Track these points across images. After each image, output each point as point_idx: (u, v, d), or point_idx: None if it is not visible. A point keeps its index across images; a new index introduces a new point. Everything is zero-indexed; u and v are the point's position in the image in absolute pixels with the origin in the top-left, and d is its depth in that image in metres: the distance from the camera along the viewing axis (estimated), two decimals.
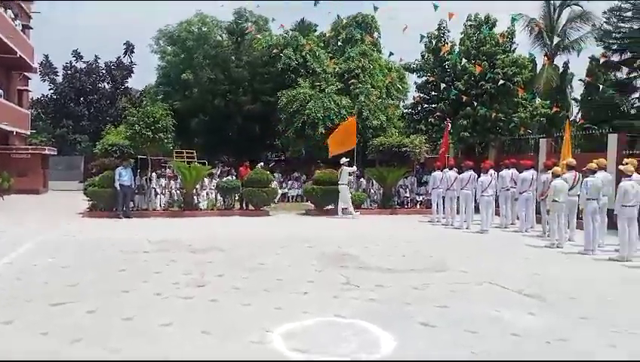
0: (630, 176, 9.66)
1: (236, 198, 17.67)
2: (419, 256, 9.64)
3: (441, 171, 15.79)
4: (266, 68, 26.77)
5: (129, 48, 37.36)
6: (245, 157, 24.92)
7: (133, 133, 17.02)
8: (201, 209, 17.11)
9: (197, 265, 8.36)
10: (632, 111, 21.76)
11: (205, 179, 18.28)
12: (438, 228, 14.78)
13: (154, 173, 17.93)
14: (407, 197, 19.52)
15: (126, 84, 37.55)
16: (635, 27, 22.50)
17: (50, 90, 37.13)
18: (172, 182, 18.12)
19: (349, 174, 17.32)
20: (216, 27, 29.97)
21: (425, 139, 20.08)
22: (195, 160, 23.09)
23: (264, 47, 26.79)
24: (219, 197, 17.61)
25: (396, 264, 8.74)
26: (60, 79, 36.94)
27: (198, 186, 17.56)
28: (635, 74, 22.87)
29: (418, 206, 19.04)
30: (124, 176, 15.73)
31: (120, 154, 17.13)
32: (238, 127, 26.72)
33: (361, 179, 20.94)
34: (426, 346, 4.75)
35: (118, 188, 15.60)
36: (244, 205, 17.57)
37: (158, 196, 17.27)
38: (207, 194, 18.05)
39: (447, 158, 17.65)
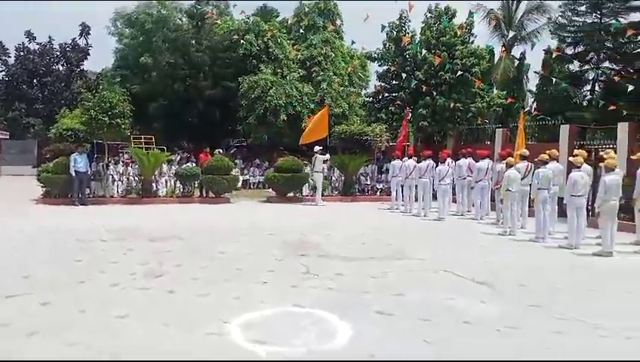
0: (580, 167, 10.04)
1: (196, 185, 17.47)
2: (378, 244, 9.81)
3: (401, 160, 16.04)
4: (227, 53, 26.39)
5: (85, 30, 36.13)
6: (206, 143, 24.65)
7: (89, 119, 16.59)
8: (159, 196, 16.86)
9: (155, 254, 8.28)
10: (584, 103, 22.56)
11: (164, 166, 18.00)
12: (398, 215, 15.03)
13: (111, 159, 17.55)
14: (368, 185, 19.77)
15: (82, 67, 36.36)
16: (589, 21, 23.21)
17: (1, 71, 35.65)
18: (130, 168, 17.77)
19: (323, 162, 17.43)
20: (176, 10, 29.31)
21: (385, 127, 20.33)
22: (154, 145, 22.71)
23: (225, 32, 26.40)
24: (178, 184, 17.37)
25: (356, 252, 8.88)
26: (12, 60, 35.49)
27: (156, 173, 17.28)
28: (588, 67, 23.65)
29: (378, 193, 19.30)
30: (79, 162, 15.33)
31: (75, 140, 16.68)
32: (198, 113, 26.30)
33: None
34: (381, 335, 4.87)
35: (74, 174, 15.20)
36: (204, 192, 17.40)
37: (116, 183, 16.93)
38: (165, 181, 17.79)
39: (406, 147, 17.94)
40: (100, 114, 16.38)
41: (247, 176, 23.02)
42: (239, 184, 19.88)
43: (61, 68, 36.23)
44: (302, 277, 7.02)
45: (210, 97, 25.73)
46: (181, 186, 17.28)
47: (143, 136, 23.27)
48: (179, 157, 21.73)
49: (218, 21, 26.98)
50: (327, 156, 17.62)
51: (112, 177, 16.87)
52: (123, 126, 16.95)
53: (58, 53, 36.03)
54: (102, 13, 48.20)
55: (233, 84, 24.59)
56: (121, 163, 18.02)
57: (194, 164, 18.82)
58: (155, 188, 17.03)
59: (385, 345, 4.63)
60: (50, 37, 35.77)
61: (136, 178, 17.10)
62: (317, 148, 17.42)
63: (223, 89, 25.70)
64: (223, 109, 26.05)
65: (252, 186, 22.69)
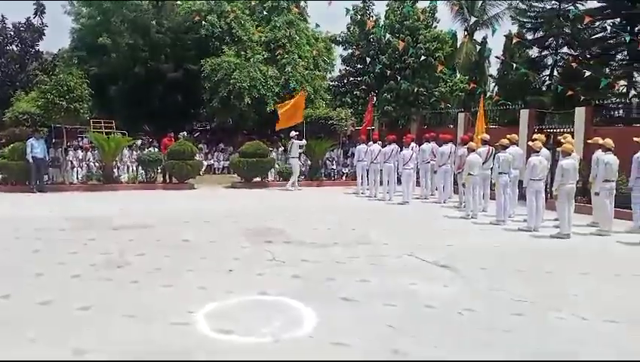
0: (539, 151, 10.30)
1: (159, 171, 17.17)
2: (343, 229, 9.88)
3: (366, 144, 16.13)
4: (189, 34, 25.79)
5: (39, 9, 34.62)
6: (169, 127, 24.15)
7: (46, 102, 16.03)
8: (121, 182, 16.52)
9: (117, 243, 8.14)
10: (543, 88, 23.09)
11: (126, 151, 17.61)
12: (363, 199, 15.16)
13: (70, 144, 17.05)
14: (334, 170, 19.83)
15: (37, 48, 34.91)
16: (548, 7, 23.67)
17: None
18: (89, 153, 17.34)
19: (300, 147, 17.36)
20: None
21: (351, 112, 20.36)
22: (115, 130, 22.16)
23: (186, 13, 25.79)
24: (140, 170, 17.04)
25: (321, 238, 8.92)
26: None
27: (117, 158, 16.91)
28: (547, 52, 24.17)
29: (344, 178, 19.39)
30: (36, 147, 14.87)
31: (32, 124, 16.13)
32: (160, 96, 25.70)
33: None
34: (347, 322, 4.93)
35: (31, 160, 14.73)
36: (167, 178, 17.12)
37: (75, 169, 16.53)
38: (127, 167, 17.43)
39: (371, 131, 18.03)
40: (58, 97, 15.83)
41: (212, 161, 22.79)
42: (203, 169, 19.67)
43: (15, 49, 34.72)
44: (268, 264, 7.02)
45: (172, 80, 25.19)
46: (143, 172, 16.96)
47: (103, 121, 22.63)
48: (141, 142, 21.28)
49: (179, 1, 26.30)
50: (304, 141, 17.57)
51: (72, 163, 16.45)
52: (82, 110, 16.43)
53: (12, 33, 34.50)
54: None
55: (196, 66, 24.10)
56: (80, 148, 17.54)
57: (157, 149, 18.47)
58: (116, 174, 16.69)
59: (351, 331, 4.68)
60: (2, 16, 34.22)
61: (96, 164, 16.70)
62: (293, 133, 17.37)
63: (185, 71, 25.18)
64: (186, 92, 25.55)
65: (216, 171, 22.46)
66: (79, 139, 21.78)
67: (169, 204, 13.13)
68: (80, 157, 16.95)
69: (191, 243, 8.32)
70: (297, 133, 17.39)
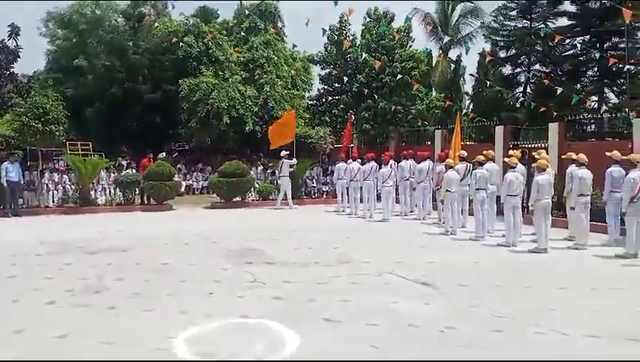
0: (515, 167, 10.48)
1: (136, 193, 16.95)
2: (324, 248, 9.86)
3: (345, 162, 16.23)
4: (167, 55, 25.78)
5: (14, 30, 34.41)
6: (147, 148, 23.97)
7: (21, 125, 15.80)
8: (98, 205, 16.28)
9: (94, 268, 8.00)
10: (517, 105, 23.55)
11: (103, 173, 17.38)
12: (343, 217, 15.19)
13: (45, 167, 16.79)
14: (314, 188, 19.85)
15: (12, 70, 34.57)
16: (519, 25, 24.25)
17: None
18: (65, 176, 17.08)
19: (290, 166, 17.41)
20: (112, 10, 28.34)
21: (330, 130, 20.48)
22: (92, 152, 21.90)
23: (164, 34, 25.79)
24: (118, 192, 16.82)
25: (302, 257, 8.89)
26: None
27: (94, 181, 16.69)
28: (519, 69, 24.70)
29: (324, 196, 19.41)
30: (11, 171, 14.59)
31: (6, 147, 15.85)
32: (137, 117, 25.55)
33: (267, 171, 21.03)
34: (329, 343, 4.90)
35: (5, 184, 14.45)
36: (145, 200, 16.93)
37: (51, 192, 16.22)
38: (103, 188, 17.17)
39: (350, 149, 18.16)
40: (33, 120, 15.61)
41: (190, 182, 22.61)
42: (182, 190, 19.52)
43: None
44: (248, 286, 6.97)
45: (149, 101, 25.08)
46: (121, 194, 16.75)
47: (79, 143, 22.37)
48: (121, 163, 20.99)
49: (156, 24, 26.31)
50: (294, 161, 17.63)
51: (47, 186, 16.15)
52: (57, 132, 16.22)
53: None
54: (32, 13, 46.13)
55: (173, 87, 24.05)
56: (56, 171, 17.27)
57: (135, 171, 18.27)
58: (93, 196, 16.44)
59: (333, 353, 4.66)
60: None
61: (72, 186, 16.45)
62: (284, 152, 17.45)
63: (163, 92, 25.10)
64: (164, 113, 25.44)
65: (195, 192, 22.30)
66: (55, 161, 21.45)
67: (147, 226, 12.97)
68: (56, 179, 16.67)
69: (170, 266, 8.21)
70: (288, 152, 17.46)
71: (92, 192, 16.46)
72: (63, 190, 16.37)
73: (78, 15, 26.77)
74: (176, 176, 18.49)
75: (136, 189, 16.82)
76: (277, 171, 18.05)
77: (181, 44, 24.13)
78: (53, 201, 16.08)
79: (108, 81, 25.21)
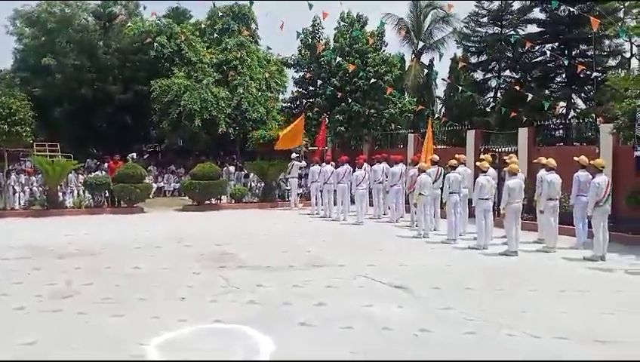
0: (486, 171, 10.64)
1: (106, 195, 16.61)
2: (299, 252, 9.83)
3: (319, 165, 16.25)
4: (138, 55, 25.43)
5: None
6: (117, 149, 23.60)
7: None
8: (67, 207, 15.91)
9: (63, 272, 7.80)
10: (488, 110, 23.97)
11: (71, 175, 17.00)
12: (317, 220, 15.18)
13: (12, 168, 16.34)
14: (288, 190, 19.74)
15: None
16: (490, 32, 24.70)
17: None
18: (33, 178, 16.66)
19: (299, 168, 18.10)
20: (81, 10, 27.79)
21: (304, 133, 20.46)
22: (60, 153, 21.44)
23: (135, 34, 25.41)
24: (87, 194, 16.47)
25: (276, 261, 8.85)
26: None
27: (62, 183, 16.30)
28: (490, 75, 25.15)
29: (298, 199, 19.33)
30: None
31: None
32: (108, 118, 25.13)
33: (241, 172, 20.94)
34: (304, 348, 4.89)
35: None
36: (115, 202, 16.60)
37: (17, 194, 15.80)
38: (71, 191, 16.80)
39: (324, 152, 18.20)
40: None
41: (162, 184, 22.31)
42: (153, 192, 19.24)
43: None
44: (222, 290, 6.89)
45: (120, 101, 24.71)
46: (90, 196, 16.40)
47: (47, 144, 21.86)
48: (94, 164, 20.50)
49: (128, 23, 25.91)
50: (304, 163, 17.88)
51: (13, 188, 15.73)
52: (24, 133, 15.78)
53: None
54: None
55: (145, 87, 23.72)
56: (23, 172, 16.83)
57: (104, 172, 17.94)
58: (61, 199, 16.06)
59: (309, 357, 4.64)
60: None
61: (40, 188, 16.04)
62: (294, 155, 18.00)
63: (134, 93, 24.76)
64: (135, 114, 25.09)
65: (167, 194, 22.00)
66: (22, 162, 20.92)
67: (118, 230, 12.72)
68: (22, 181, 16.25)
69: (142, 271, 8.07)
70: (298, 155, 17.60)
71: (60, 194, 16.07)
72: (30, 192, 15.97)
73: (46, 13, 26.18)
74: (147, 178, 18.21)
75: (106, 191, 16.48)
76: (285, 173, 18.46)
77: (154, 44, 23.83)
78: (19, 204, 15.67)
79: (77, 81, 24.74)
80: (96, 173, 17.95)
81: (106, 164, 19.56)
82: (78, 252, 9.51)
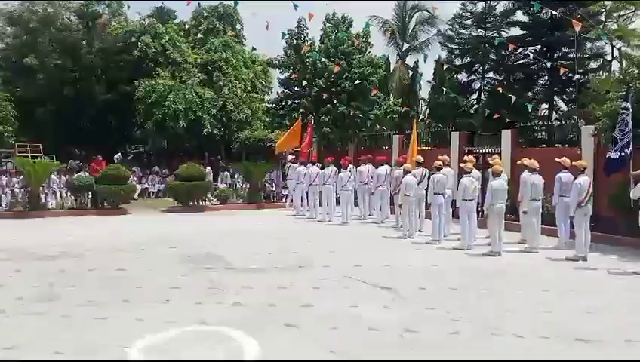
0: (470, 172, 10.74)
1: (89, 196, 16.42)
2: (284, 253, 9.82)
3: (305, 166, 16.26)
4: (122, 55, 25.20)
5: None
6: (101, 150, 23.37)
7: None
8: (49, 209, 15.70)
9: (46, 275, 7.70)
10: (472, 111, 24.19)
11: (53, 176, 16.78)
12: (303, 221, 15.17)
13: None
14: (273, 191, 19.75)
15: None
16: (474, 34, 24.92)
17: None
18: (14, 179, 16.42)
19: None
20: (64, 9, 27.48)
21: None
22: (42, 154, 21.17)
23: (119, 34, 25.20)
24: (70, 195, 16.27)
25: (262, 263, 8.83)
26: None
27: (45, 184, 16.10)
28: (474, 77, 25.38)
29: (284, 200, 19.34)
30: None
31: None
32: (91, 118, 24.87)
33: (226, 173, 20.85)
34: (289, 349, 4.89)
35: None
36: (99, 204, 16.42)
37: None
38: (53, 192, 16.58)
39: (310, 154, 18.22)
40: None
41: (146, 185, 22.12)
42: (137, 193, 19.08)
43: None
44: (207, 292, 6.86)
45: (103, 102, 24.46)
46: (73, 198, 16.21)
47: (29, 144, 21.56)
48: (77, 165, 20.27)
49: (113, 23, 25.68)
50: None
51: None
52: (6, 133, 15.58)
53: None
54: None
55: (129, 88, 23.52)
56: (4, 173, 16.58)
57: (87, 174, 17.73)
58: (43, 200, 15.85)
59: (293, 359, 4.64)
60: None
61: (22, 190, 15.81)
62: (290, 157, 17.87)
63: (117, 93, 24.52)
64: (119, 115, 24.85)
65: (151, 195, 21.82)
66: (3, 163, 20.61)
67: (101, 231, 12.59)
68: (4, 182, 16.01)
69: (126, 273, 8.00)
70: (294, 156, 17.55)
71: (42, 196, 15.86)
72: (11, 193, 15.73)
73: (28, 12, 25.84)
74: (131, 179, 18.05)
75: (89, 193, 16.30)
76: (270, 174, 18.77)
77: (138, 44, 23.64)
78: (1, 205, 15.42)
79: (60, 81, 24.44)
80: (79, 174, 17.71)
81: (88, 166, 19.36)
82: (61, 254, 9.39)
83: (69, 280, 7.41)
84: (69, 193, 16.35)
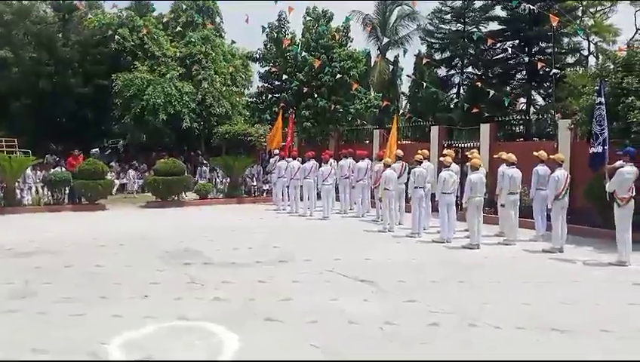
0: (449, 166, 10.83)
1: (66, 192, 16.15)
2: (265, 247, 9.79)
3: (286, 160, 16.22)
4: (99, 48, 24.83)
5: None
6: (78, 145, 23.01)
7: None
8: (25, 205, 15.42)
9: (21, 271, 7.56)
10: (451, 106, 24.33)
11: (29, 172, 16.46)
12: (284, 216, 15.14)
13: None
14: (254, 186, 19.66)
15: None
16: (454, 29, 25.06)
17: None
18: None
19: None
20: (40, 1, 26.98)
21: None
22: (17, 149, 20.79)
23: (96, 27, 24.79)
24: (46, 191, 15.99)
25: (242, 257, 8.79)
26: None
27: (20, 179, 15.80)
28: (453, 72, 25.55)
29: (265, 194, 19.27)
30: None
31: None
32: (68, 113, 24.46)
33: (204, 168, 20.69)
34: (269, 344, 4.88)
35: None
36: (76, 199, 16.17)
37: None
38: (29, 188, 16.27)
39: (291, 148, 18.18)
40: None
41: (124, 180, 21.83)
42: (115, 189, 18.83)
43: None
44: (186, 287, 6.81)
45: (80, 96, 24.08)
46: (49, 193, 15.93)
47: (3, 139, 21.14)
48: (53, 160, 19.86)
49: (90, 16, 25.25)
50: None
51: None
52: None
53: None
54: None
55: (106, 81, 23.18)
56: None
57: (64, 169, 17.44)
58: (19, 196, 15.55)
59: (274, 353, 4.64)
60: None
61: None
62: (276, 151, 17.60)
63: (94, 87, 24.16)
64: (96, 109, 24.49)
65: (130, 191, 21.55)
66: None
67: (79, 227, 12.39)
68: None
69: (104, 269, 7.90)
70: (279, 151, 17.49)
71: (18, 192, 15.56)
72: None
73: (2, 5, 25.31)
74: (109, 174, 17.80)
75: (66, 188, 16.04)
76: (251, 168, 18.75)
77: (116, 37, 23.30)
78: None
79: (35, 74, 24.00)
80: (56, 169, 17.41)
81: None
82: (37, 250, 9.24)
83: (45, 276, 7.29)
84: (45, 188, 16.06)
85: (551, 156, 10.20)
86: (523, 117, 20.95)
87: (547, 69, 18.59)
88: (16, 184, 15.54)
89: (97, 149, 21.11)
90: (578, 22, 23.16)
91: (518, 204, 10.74)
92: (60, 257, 8.73)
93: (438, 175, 11.27)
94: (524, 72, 24.39)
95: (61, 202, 15.86)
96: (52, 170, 16.73)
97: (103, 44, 24.54)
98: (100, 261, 8.34)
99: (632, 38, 21.30)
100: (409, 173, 12.11)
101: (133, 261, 8.46)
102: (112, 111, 23.36)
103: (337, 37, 21.20)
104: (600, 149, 9.20)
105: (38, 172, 17.06)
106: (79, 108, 24.18)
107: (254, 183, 19.72)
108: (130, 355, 4.55)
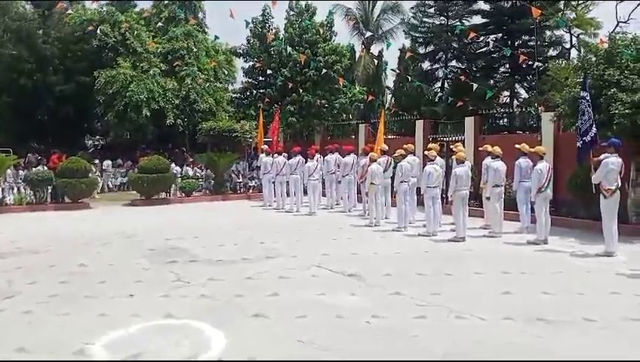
0: (434, 160, 10.88)
1: (49, 191, 15.94)
2: (251, 244, 9.77)
3: (272, 156, 16.17)
4: (80, 45, 24.49)
5: None
6: (60, 143, 22.72)
7: None
8: (6, 204, 15.20)
9: (4, 272, 7.46)
10: (436, 100, 24.37)
11: (9, 171, 16.20)
12: (270, 212, 15.11)
13: None
14: (240, 182, 19.58)
15: None
16: (437, 23, 25.09)
17: None
18: None
19: None
20: None
21: (255, 124, 20.31)
22: None
23: (77, 23, 24.40)
24: (28, 190, 15.77)
25: (228, 254, 8.76)
26: None
27: (1, 179, 15.55)
28: (437, 65, 25.57)
29: (250, 191, 19.20)
30: None
31: None
32: (49, 110, 24.09)
33: (186, 167, 20.53)
34: (257, 341, 4.86)
35: None
36: (59, 198, 15.96)
37: None
38: (10, 187, 16.01)
39: (277, 143, 18.13)
40: None
41: (110, 178, 21.62)
42: (99, 187, 18.62)
43: None
44: (172, 285, 6.76)
45: (62, 93, 23.72)
46: (32, 193, 15.71)
47: None
48: (35, 159, 19.57)
49: (70, 11, 24.83)
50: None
51: None
52: None
53: None
54: None
55: (88, 78, 22.86)
56: None
57: (46, 168, 17.22)
58: (1, 196, 15.32)
59: (262, 349, 4.63)
60: None
61: None
62: (264, 147, 17.43)
63: (76, 84, 23.82)
64: (78, 106, 24.17)
65: (114, 189, 21.36)
66: None
67: (62, 226, 12.24)
68: None
69: (88, 268, 7.81)
70: (266, 146, 17.38)
71: None
72: None
73: None
74: (92, 172, 17.59)
75: (49, 187, 15.83)
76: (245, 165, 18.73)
77: (97, 33, 22.97)
78: None
79: (16, 71, 23.59)
80: (38, 168, 17.17)
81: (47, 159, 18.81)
82: (20, 250, 9.11)
83: (29, 276, 7.20)
84: (27, 188, 15.84)
85: (532, 149, 10.28)
86: (507, 110, 21.03)
87: (530, 62, 18.68)
88: None
89: (82, 151, 20.85)
90: (560, 15, 23.30)
91: (503, 196, 10.83)
92: (44, 257, 8.63)
93: (423, 169, 11.31)
94: (507, 65, 24.49)
95: (44, 201, 15.66)
96: (34, 169, 16.50)
97: (85, 41, 24.20)
98: (84, 260, 8.25)
99: (613, 30, 21.46)
100: (394, 168, 12.16)
101: (118, 259, 8.38)
102: (94, 108, 23.05)
103: (322, 31, 21.14)
104: (586, 140, 9.27)
105: (20, 171, 16.80)
106: (61, 105, 23.84)
107: (240, 180, 19.64)
108: (115, 355, 4.51)
